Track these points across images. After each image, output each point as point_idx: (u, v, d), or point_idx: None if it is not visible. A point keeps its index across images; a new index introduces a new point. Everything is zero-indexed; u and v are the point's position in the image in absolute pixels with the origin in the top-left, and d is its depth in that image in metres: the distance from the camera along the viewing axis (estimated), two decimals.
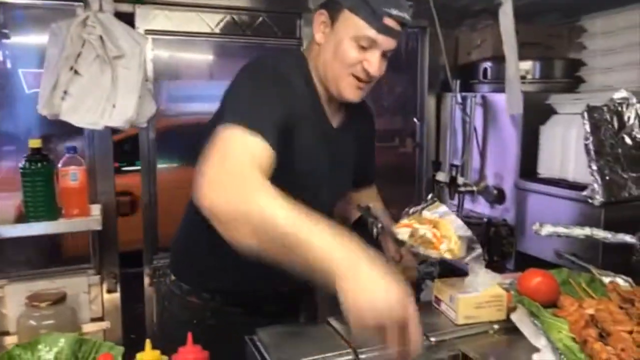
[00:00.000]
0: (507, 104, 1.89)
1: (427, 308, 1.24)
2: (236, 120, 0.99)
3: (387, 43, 1.16)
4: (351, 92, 1.20)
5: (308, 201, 0.90)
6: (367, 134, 1.45)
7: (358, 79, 1.19)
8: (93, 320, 1.86)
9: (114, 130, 1.86)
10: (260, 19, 2.12)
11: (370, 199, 1.54)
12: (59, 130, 1.85)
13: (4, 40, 1.81)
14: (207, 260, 1.29)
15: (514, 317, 1.09)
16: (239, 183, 0.90)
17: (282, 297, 1.37)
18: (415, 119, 2.54)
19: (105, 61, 1.69)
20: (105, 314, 1.89)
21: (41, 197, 1.65)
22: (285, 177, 0.97)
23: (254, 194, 0.88)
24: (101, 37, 1.68)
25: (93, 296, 1.88)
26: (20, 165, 1.65)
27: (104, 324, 1.84)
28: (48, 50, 1.71)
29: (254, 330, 1.10)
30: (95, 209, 1.80)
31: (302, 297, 1.45)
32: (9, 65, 1.90)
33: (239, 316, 1.30)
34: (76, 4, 1.80)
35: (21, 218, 1.67)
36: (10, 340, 1.75)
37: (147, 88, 1.86)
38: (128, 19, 1.87)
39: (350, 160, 1.37)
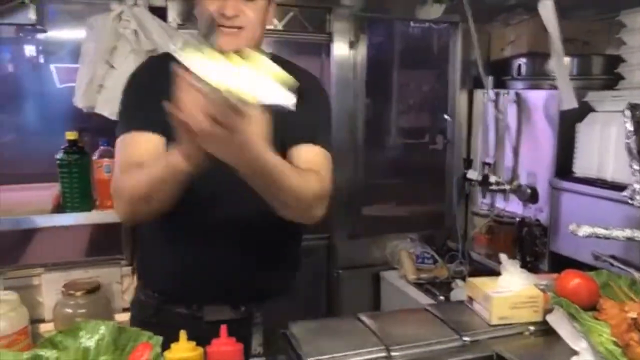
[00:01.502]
0: (561, 99, 1.83)
1: (459, 307, 1.23)
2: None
3: None
4: (218, 40, 1.13)
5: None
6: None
7: (222, 26, 1.15)
8: (125, 310, 1.89)
9: None
10: (291, 13, 2.12)
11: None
12: (92, 123, 1.89)
13: (38, 36, 1.86)
14: (153, 258, 1.31)
15: (550, 318, 1.07)
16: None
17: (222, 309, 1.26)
18: (445, 116, 2.51)
19: (139, 55, 1.71)
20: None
21: (77, 189, 1.68)
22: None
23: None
24: (135, 31, 1.70)
25: (125, 286, 1.91)
26: (57, 156, 1.68)
27: None
28: (84, 44, 1.75)
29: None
30: None
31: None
32: (41, 60, 1.95)
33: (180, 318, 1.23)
34: None
35: (58, 208, 1.70)
36: (46, 328, 1.79)
37: None
38: (161, 14, 1.89)
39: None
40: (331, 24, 2.16)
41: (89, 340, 0.78)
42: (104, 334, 0.79)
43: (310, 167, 1.15)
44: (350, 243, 2.31)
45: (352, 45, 2.20)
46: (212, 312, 1.21)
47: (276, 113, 0.95)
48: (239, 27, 1.14)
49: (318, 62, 2.22)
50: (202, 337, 0.92)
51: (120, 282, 1.91)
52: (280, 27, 2.09)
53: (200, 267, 1.20)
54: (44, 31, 1.80)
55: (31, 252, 1.93)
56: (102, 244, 1.97)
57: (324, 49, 2.21)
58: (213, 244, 1.19)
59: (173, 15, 1.94)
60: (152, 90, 1.10)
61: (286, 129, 1.10)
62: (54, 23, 1.87)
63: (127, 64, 1.71)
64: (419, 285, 2.13)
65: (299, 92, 1.09)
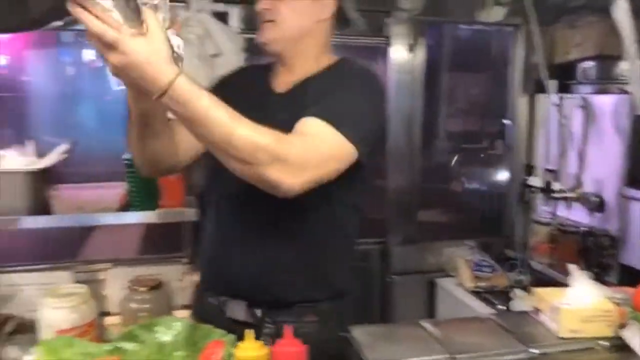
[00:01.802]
0: (635, 103, 1.74)
1: (523, 318, 1.19)
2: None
3: None
4: (258, 34, 1.24)
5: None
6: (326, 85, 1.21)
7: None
8: (184, 307, 1.95)
9: None
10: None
11: None
12: None
13: None
14: (201, 246, 1.36)
15: (626, 334, 1.02)
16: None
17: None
18: (505, 121, 2.44)
19: (203, 59, 1.76)
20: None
21: (143, 188, 1.75)
22: None
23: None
24: (200, 36, 1.76)
25: (185, 284, 1.96)
26: (125, 157, 1.75)
27: None
28: None
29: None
30: (190, 201, 1.88)
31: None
32: (100, 63, 2.03)
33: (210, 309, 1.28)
34: (178, 4, 1.90)
35: (124, 207, 1.78)
36: (111, 321, 1.86)
37: None
38: (222, 18, 1.94)
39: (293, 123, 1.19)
40: (389, 27, 2.15)
41: (164, 335, 0.80)
42: (179, 330, 0.82)
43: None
44: (404, 248, 2.29)
45: (411, 48, 2.18)
46: (233, 308, 1.24)
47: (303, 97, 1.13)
48: (271, 21, 1.20)
49: (376, 66, 2.21)
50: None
51: (181, 279, 1.96)
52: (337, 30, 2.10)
53: (228, 259, 1.25)
54: None
55: (98, 248, 2.02)
56: (164, 242, 2.04)
57: (382, 52, 2.20)
58: (242, 240, 1.24)
59: (234, 20, 2.00)
60: (225, 88, 1.24)
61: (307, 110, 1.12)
62: None
63: (191, 68, 1.76)
64: (476, 293, 2.08)
65: (336, 78, 1.19)
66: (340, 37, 2.10)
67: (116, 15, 0.84)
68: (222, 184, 1.23)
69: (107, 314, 1.91)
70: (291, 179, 1.01)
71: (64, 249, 1.99)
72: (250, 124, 0.98)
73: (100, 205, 1.73)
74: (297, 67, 1.25)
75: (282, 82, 1.26)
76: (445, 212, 2.53)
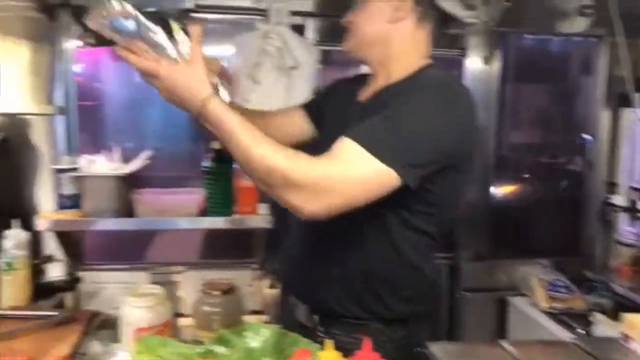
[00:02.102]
0: None
1: (610, 344, 1.13)
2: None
3: None
4: (343, 45, 1.30)
5: None
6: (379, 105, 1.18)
7: None
8: (254, 312, 1.99)
9: None
10: None
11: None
12: None
13: None
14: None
15: None
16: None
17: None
18: (585, 136, 2.34)
19: (281, 70, 1.80)
20: (265, 307, 2.01)
21: (220, 195, 1.81)
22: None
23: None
24: (279, 48, 1.80)
25: (255, 290, 2.00)
26: (203, 164, 1.82)
27: (264, 318, 1.96)
28: (232, 60, 1.88)
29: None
30: (264, 208, 1.92)
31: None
32: None
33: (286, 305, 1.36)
34: (256, 17, 1.96)
35: (201, 212, 1.84)
36: (183, 322, 1.93)
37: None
38: (299, 31, 1.98)
39: None
40: (465, 39, 2.12)
41: (253, 341, 0.82)
42: (267, 336, 0.84)
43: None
44: (475, 264, 2.23)
45: (486, 60, 2.14)
46: (299, 310, 1.29)
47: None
48: (349, 31, 1.26)
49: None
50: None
51: (251, 284, 2.00)
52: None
53: (297, 263, 1.30)
54: None
55: (173, 250, 2.10)
56: (236, 247, 2.09)
57: (457, 64, 2.17)
58: (308, 246, 1.27)
59: (310, 32, 2.03)
60: (335, 92, 1.38)
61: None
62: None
63: (270, 79, 1.81)
64: (551, 314, 1.99)
65: (403, 90, 1.13)
66: None
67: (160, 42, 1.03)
68: None
69: (181, 315, 1.98)
70: (309, 204, 1.02)
71: (143, 250, 2.08)
72: (270, 146, 1.03)
73: (180, 209, 1.80)
74: (381, 73, 1.25)
75: (368, 90, 1.27)
76: (518, 229, 2.44)
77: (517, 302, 2.16)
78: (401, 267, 1.20)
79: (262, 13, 1.91)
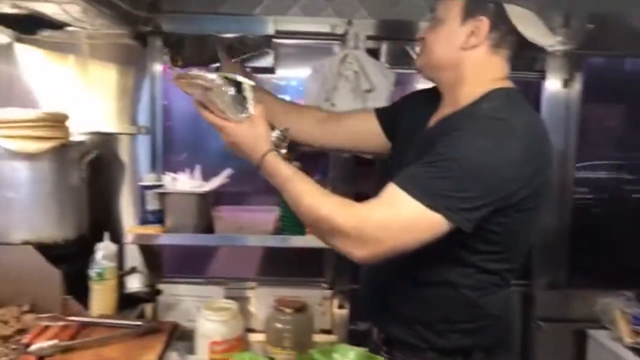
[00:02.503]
0: None
1: None
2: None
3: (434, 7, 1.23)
4: (415, 61, 1.31)
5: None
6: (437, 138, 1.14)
7: None
8: (323, 331, 2.00)
9: (357, 157, 2.00)
10: None
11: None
12: (306, 155, 2.06)
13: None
14: None
15: None
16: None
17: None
18: None
19: (357, 93, 1.83)
20: (333, 327, 2.02)
21: (293, 214, 1.84)
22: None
23: None
24: (356, 72, 1.83)
25: (324, 309, 2.02)
26: None
27: (333, 338, 1.96)
28: (308, 84, 1.93)
29: None
30: None
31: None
32: None
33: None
34: (334, 42, 2.01)
35: (276, 230, 1.89)
36: (255, 337, 1.96)
37: None
38: (374, 54, 2.01)
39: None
40: (544, 62, 2.07)
41: None
42: (353, 358, 0.85)
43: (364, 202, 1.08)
44: (551, 293, 2.14)
45: (566, 83, 2.08)
46: (373, 329, 1.37)
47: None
48: (422, 48, 1.26)
49: (528, 102, 2.13)
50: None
51: (321, 304, 2.02)
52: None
53: (368, 285, 1.35)
54: (274, 72, 2.04)
55: (247, 267, 2.16)
56: (308, 266, 2.12)
57: (534, 87, 2.12)
58: (378, 272, 1.29)
59: (383, 55, 2.06)
60: (409, 106, 1.40)
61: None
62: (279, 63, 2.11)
63: (346, 102, 1.84)
64: (636, 350, 1.88)
65: (457, 124, 1.10)
66: None
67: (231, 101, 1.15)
68: None
69: (252, 330, 2.02)
70: (357, 250, 1.05)
71: (217, 265, 2.15)
72: (319, 194, 1.11)
73: (256, 227, 1.86)
74: (448, 98, 1.23)
75: (438, 115, 1.25)
76: (599, 257, 2.33)
77: (597, 335, 2.05)
78: (458, 304, 1.18)
79: (339, 38, 1.97)
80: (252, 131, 1.18)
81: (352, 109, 1.62)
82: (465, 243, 1.11)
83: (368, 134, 1.45)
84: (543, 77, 2.07)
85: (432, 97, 1.30)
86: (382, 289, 1.28)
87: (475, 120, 1.09)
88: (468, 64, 1.17)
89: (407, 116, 1.37)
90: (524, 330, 2.15)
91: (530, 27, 1.13)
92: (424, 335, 1.20)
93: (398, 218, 1.04)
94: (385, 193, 1.07)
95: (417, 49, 1.30)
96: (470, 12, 1.14)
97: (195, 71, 1.14)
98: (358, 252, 1.05)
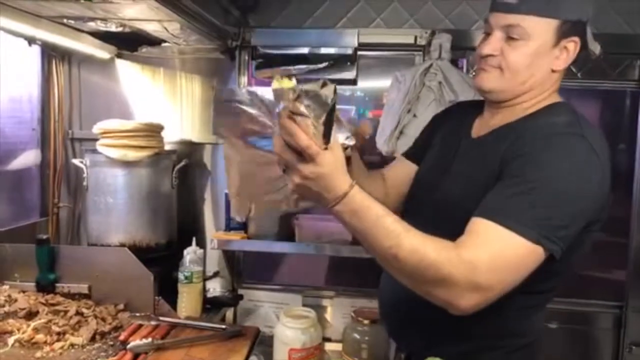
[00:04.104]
0: None
1: None
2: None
3: (497, 19, 1.08)
4: (477, 79, 1.14)
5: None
6: (501, 158, 1.05)
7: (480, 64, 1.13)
8: None
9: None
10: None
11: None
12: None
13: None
14: None
15: None
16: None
17: None
18: None
19: (441, 104, 1.81)
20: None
21: None
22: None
23: None
24: (440, 83, 1.82)
25: None
26: None
27: None
28: (389, 94, 1.93)
29: None
30: None
31: None
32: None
33: None
34: (415, 53, 2.00)
35: (354, 240, 1.89)
36: (331, 347, 1.98)
37: None
38: (455, 65, 1.98)
39: (473, 174, 1.10)
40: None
41: None
42: None
43: (459, 243, 0.94)
44: None
45: None
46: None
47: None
48: (496, 67, 1.09)
49: (622, 112, 2.03)
50: None
51: None
52: (578, 74, 1.98)
53: (388, 300, 1.30)
54: (356, 83, 2.06)
55: (324, 276, 2.18)
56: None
57: (631, 96, 2.01)
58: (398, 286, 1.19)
59: (466, 66, 2.03)
60: (438, 129, 1.32)
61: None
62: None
63: (428, 113, 1.82)
64: None
65: (526, 145, 1.01)
66: (581, 82, 1.99)
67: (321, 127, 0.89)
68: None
69: (328, 339, 2.03)
70: (464, 301, 0.92)
71: (295, 273, 2.19)
72: (421, 237, 0.92)
73: (336, 236, 1.88)
74: (506, 113, 1.14)
75: (484, 125, 1.19)
76: None
77: None
78: (488, 324, 1.07)
79: (421, 49, 1.96)
80: (336, 159, 0.93)
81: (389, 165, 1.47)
82: None
83: (408, 178, 1.33)
84: (639, 87, 1.96)
85: (466, 109, 1.28)
86: (405, 305, 1.19)
87: (553, 139, 1.02)
88: (549, 83, 1.11)
89: (441, 131, 1.29)
90: (615, 355, 2.02)
91: (592, 38, 1.10)
92: (451, 355, 1.11)
93: (505, 258, 0.93)
94: (480, 230, 0.95)
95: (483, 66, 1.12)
96: (565, 32, 1.06)
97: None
98: (465, 302, 0.93)
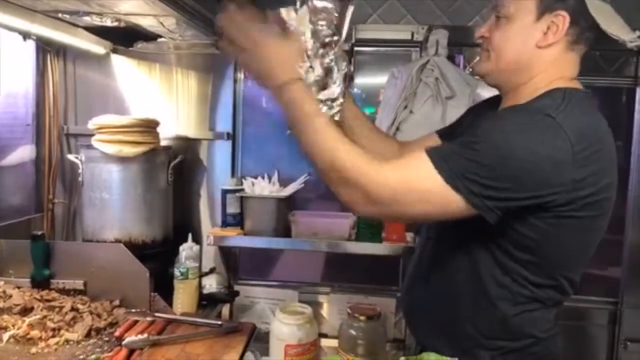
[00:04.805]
0: None
1: None
2: None
3: (492, 2, 1.12)
4: (477, 65, 1.21)
5: None
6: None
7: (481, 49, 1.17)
8: (395, 340, 1.98)
9: None
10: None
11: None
12: None
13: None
14: None
15: None
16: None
17: None
18: None
19: (437, 100, 1.81)
20: (406, 337, 2.00)
21: (369, 221, 1.85)
22: None
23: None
24: (437, 79, 1.81)
25: (397, 318, 2.00)
26: None
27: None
28: (386, 91, 1.93)
29: None
30: (409, 237, 1.93)
31: None
32: None
33: None
34: (412, 49, 2.00)
35: (351, 237, 1.90)
36: (326, 343, 1.98)
37: None
38: (452, 61, 1.98)
39: None
40: (637, 66, 1.96)
41: None
42: None
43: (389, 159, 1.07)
44: None
45: None
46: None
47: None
48: (486, 50, 1.13)
49: (619, 108, 2.03)
50: None
51: (394, 312, 2.00)
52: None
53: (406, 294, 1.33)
54: (353, 80, 2.05)
55: (321, 272, 2.18)
56: (382, 274, 2.11)
57: (627, 93, 2.02)
58: (415, 277, 1.28)
59: (463, 62, 2.03)
60: (469, 116, 1.35)
61: None
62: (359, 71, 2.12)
63: (424, 109, 1.83)
64: None
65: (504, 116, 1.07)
66: (580, 78, 1.98)
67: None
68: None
69: (324, 335, 2.03)
70: (362, 207, 1.02)
71: (292, 269, 2.19)
72: (341, 140, 1.02)
73: (332, 232, 1.88)
74: (513, 97, 1.13)
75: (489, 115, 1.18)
76: None
77: None
78: (490, 319, 1.11)
79: (418, 45, 1.96)
80: (290, 49, 1.05)
81: (418, 137, 1.50)
82: (498, 242, 1.06)
83: None
84: (636, 84, 1.96)
85: (494, 102, 1.26)
86: (419, 298, 1.25)
87: (521, 112, 1.03)
88: (542, 63, 1.08)
89: (466, 123, 1.32)
90: (610, 351, 2.03)
91: (610, 21, 1.05)
92: (455, 349, 1.12)
93: (416, 187, 1.00)
94: (412, 157, 1.04)
95: (480, 51, 1.17)
96: (547, 6, 1.05)
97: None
98: (363, 208, 1.03)
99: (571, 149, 0.97)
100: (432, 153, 1.01)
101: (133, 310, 1.60)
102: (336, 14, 1.05)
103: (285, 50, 1.05)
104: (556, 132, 0.97)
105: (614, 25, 1.05)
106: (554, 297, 1.13)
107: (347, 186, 1.02)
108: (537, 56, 1.08)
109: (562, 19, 1.04)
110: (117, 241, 1.76)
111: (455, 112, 1.83)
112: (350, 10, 1.08)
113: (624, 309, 2.02)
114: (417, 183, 1.00)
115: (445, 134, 1.37)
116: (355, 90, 2.10)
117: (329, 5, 1.05)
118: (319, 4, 1.04)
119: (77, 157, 1.84)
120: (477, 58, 1.17)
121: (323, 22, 1.06)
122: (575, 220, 1.02)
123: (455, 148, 1.01)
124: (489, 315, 1.10)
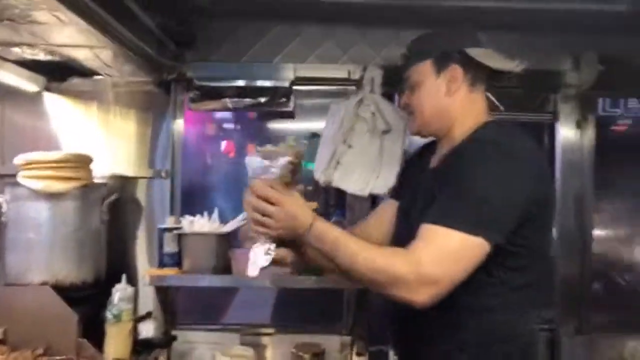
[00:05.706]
0: None
1: None
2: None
3: (405, 77, 1.37)
4: (408, 127, 1.51)
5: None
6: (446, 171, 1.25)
7: None
8: None
9: (374, 198, 2.01)
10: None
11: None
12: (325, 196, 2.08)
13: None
14: None
15: None
16: None
17: None
18: None
19: (374, 135, 1.86)
20: None
21: None
22: None
23: None
24: (373, 114, 1.87)
25: (344, 356, 1.96)
26: None
27: None
28: (325, 127, 1.96)
29: None
30: None
31: None
32: None
33: None
34: (349, 87, 2.08)
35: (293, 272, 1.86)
36: None
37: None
38: (389, 98, 2.06)
39: (432, 201, 1.21)
40: (556, 103, 2.11)
41: None
42: None
43: (407, 247, 1.12)
44: (577, 339, 2.07)
45: (579, 125, 2.11)
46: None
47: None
48: (411, 114, 1.38)
49: (541, 143, 2.16)
50: None
51: (340, 350, 1.96)
52: (501, 107, 2.10)
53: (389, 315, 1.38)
54: (293, 117, 2.09)
55: (264, 312, 2.12)
56: (327, 310, 2.07)
57: (547, 129, 2.16)
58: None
59: (398, 100, 2.11)
60: (410, 167, 1.52)
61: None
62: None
63: (362, 143, 1.86)
64: None
65: (460, 159, 1.19)
66: (502, 114, 2.11)
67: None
68: None
69: None
70: (418, 296, 1.08)
71: (233, 310, 2.11)
72: (371, 249, 1.13)
73: (275, 268, 1.83)
74: (446, 140, 1.33)
75: (438, 155, 1.35)
76: (624, 298, 2.26)
77: None
78: (484, 327, 1.19)
79: (355, 83, 2.03)
80: (297, 201, 1.22)
81: (374, 210, 1.65)
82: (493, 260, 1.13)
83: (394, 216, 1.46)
84: (555, 119, 2.10)
85: (428, 146, 1.44)
86: (406, 316, 1.27)
87: (476, 146, 1.20)
88: (456, 107, 1.30)
89: (409, 172, 1.51)
90: None
91: (494, 59, 1.27)
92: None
93: (447, 252, 1.09)
94: (424, 234, 1.12)
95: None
96: (441, 65, 1.28)
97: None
98: (419, 297, 1.08)
99: (523, 166, 1.16)
100: (436, 219, 1.11)
101: (57, 359, 1.48)
102: None
103: (297, 199, 1.22)
104: (518, 153, 1.17)
105: (498, 62, 1.27)
106: (533, 295, 1.24)
107: (397, 284, 1.09)
108: (449, 103, 1.30)
109: (456, 71, 1.28)
110: (44, 284, 1.64)
111: (392, 144, 1.89)
112: None
113: (562, 336, 2.07)
114: (448, 248, 1.09)
115: (397, 194, 1.52)
116: (296, 127, 2.13)
117: None
118: None
119: (0, 197, 1.73)
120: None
121: None
122: (542, 226, 1.22)
123: (447, 204, 1.14)
124: (484, 324, 1.19)
